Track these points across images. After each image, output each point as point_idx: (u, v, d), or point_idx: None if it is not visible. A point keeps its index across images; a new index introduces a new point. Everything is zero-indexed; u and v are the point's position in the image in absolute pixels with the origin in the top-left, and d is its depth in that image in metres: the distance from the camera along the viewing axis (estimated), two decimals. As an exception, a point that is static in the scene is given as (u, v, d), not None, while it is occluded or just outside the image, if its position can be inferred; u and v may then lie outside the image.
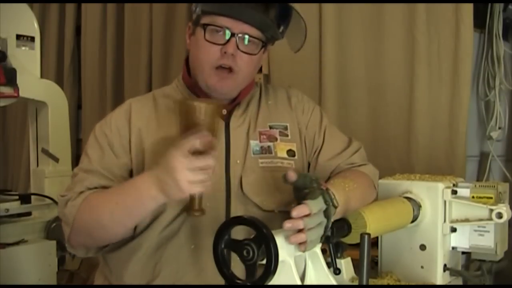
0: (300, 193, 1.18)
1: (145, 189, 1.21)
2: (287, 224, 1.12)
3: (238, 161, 1.40)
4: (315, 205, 1.14)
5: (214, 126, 1.22)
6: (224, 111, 1.44)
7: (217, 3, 1.35)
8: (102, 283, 1.46)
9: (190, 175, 1.14)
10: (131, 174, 1.39)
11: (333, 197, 1.20)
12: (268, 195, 1.39)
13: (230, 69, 1.37)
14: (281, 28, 1.42)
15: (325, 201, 1.17)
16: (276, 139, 1.46)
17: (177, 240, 1.36)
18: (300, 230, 1.13)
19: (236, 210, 1.37)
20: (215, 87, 1.38)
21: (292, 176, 1.19)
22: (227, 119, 1.44)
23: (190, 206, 1.22)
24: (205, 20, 1.37)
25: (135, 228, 1.36)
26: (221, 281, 1.27)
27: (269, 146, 1.44)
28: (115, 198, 1.28)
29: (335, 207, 1.20)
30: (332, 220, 1.19)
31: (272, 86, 1.60)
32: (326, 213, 1.17)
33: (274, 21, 1.39)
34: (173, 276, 1.35)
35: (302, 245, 1.14)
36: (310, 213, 1.13)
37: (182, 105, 1.24)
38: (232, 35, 1.34)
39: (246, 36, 1.35)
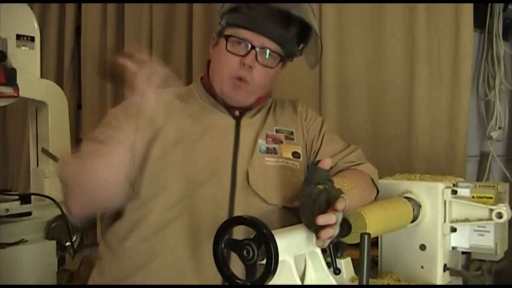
0: (311, 188, 1.19)
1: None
2: (321, 219, 1.15)
3: (245, 156, 1.45)
4: (347, 201, 1.19)
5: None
6: (237, 113, 1.51)
7: (240, 17, 1.42)
8: (98, 280, 1.47)
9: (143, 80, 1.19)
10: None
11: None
12: (272, 190, 1.43)
13: (244, 79, 1.43)
14: (301, 46, 1.51)
15: None
16: (282, 142, 1.52)
17: (179, 224, 1.38)
18: (328, 226, 1.16)
19: (240, 200, 1.40)
20: (229, 95, 1.46)
21: (328, 163, 1.21)
22: (238, 119, 1.51)
23: None
24: (228, 31, 1.44)
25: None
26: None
27: (274, 148, 1.50)
28: (96, 145, 1.30)
29: None
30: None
31: (280, 99, 1.67)
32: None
33: (294, 38, 1.47)
34: (172, 259, 1.37)
35: (321, 241, 1.17)
36: (345, 207, 1.18)
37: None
38: (252, 47, 1.41)
39: (267, 51, 1.42)
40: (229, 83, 1.44)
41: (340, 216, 1.19)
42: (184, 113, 1.47)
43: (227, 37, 1.44)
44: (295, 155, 1.51)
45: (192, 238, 1.37)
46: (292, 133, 1.54)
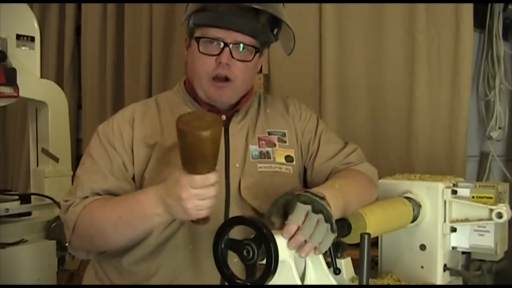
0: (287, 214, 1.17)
1: (150, 207, 1.24)
2: (292, 245, 1.12)
3: (237, 165, 1.42)
4: (296, 216, 1.13)
5: (218, 146, 1.18)
6: (224, 117, 1.47)
7: (208, 16, 1.37)
8: (92, 278, 1.47)
9: (198, 203, 1.17)
10: (133, 178, 1.40)
11: (313, 193, 1.18)
12: (265, 199, 1.39)
13: (226, 78, 1.39)
14: (275, 30, 1.44)
15: (304, 202, 1.15)
16: (275, 145, 1.48)
17: (176, 241, 1.37)
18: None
19: (234, 212, 1.38)
20: (214, 97, 1.42)
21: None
22: (226, 125, 1.46)
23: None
24: (198, 33, 1.40)
25: None
26: (217, 282, 1.28)
27: (268, 152, 1.47)
28: (119, 211, 1.29)
29: (322, 198, 1.17)
30: (330, 211, 1.16)
31: (270, 96, 1.64)
32: (315, 209, 1.15)
33: (267, 25, 1.41)
34: (170, 275, 1.37)
35: (304, 251, 1.13)
36: (298, 226, 1.12)
37: (184, 133, 1.14)
38: (225, 45, 1.37)
39: (241, 45, 1.38)
40: (210, 85, 1.40)
41: (306, 229, 1.12)
42: (171, 125, 1.39)
43: (197, 39, 1.39)
44: (288, 159, 1.48)
45: (189, 254, 1.37)
46: (284, 134, 1.51)
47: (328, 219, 1.15)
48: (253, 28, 1.38)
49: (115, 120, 1.45)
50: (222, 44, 1.37)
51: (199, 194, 1.16)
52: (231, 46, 1.37)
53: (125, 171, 1.39)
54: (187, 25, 1.44)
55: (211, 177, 1.17)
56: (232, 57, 1.38)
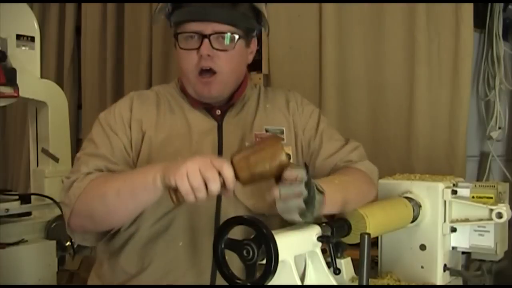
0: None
1: (151, 172, 1.21)
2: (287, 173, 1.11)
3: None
4: (296, 170, 1.13)
5: (263, 176, 1.18)
6: (218, 112, 1.46)
7: (183, 12, 1.38)
8: (96, 282, 1.48)
9: (193, 173, 1.12)
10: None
11: (317, 184, 1.18)
12: (259, 198, 1.38)
13: (211, 71, 1.39)
14: (261, 18, 1.45)
15: (307, 173, 1.15)
16: None
17: (167, 236, 1.38)
18: None
19: (227, 211, 1.37)
20: (203, 93, 1.42)
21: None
22: (220, 120, 1.46)
23: (174, 191, 1.19)
24: (177, 30, 1.41)
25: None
26: (208, 276, 1.30)
27: None
28: (123, 178, 1.28)
29: (322, 193, 1.19)
30: (316, 201, 1.17)
31: (272, 89, 1.62)
32: (308, 186, 1.15)
33: (248, 13, 1.42)
34: (162, 269, 1.37)
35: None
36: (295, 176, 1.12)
37: (272, 140, 1.18)
38: (204, 36, 1.37)
39: (226, 35, 1.38)
40: (198, 82, 1.40)
41: (301, 173, 1.12)
42: (168, 119, 1.45)
43: (176, 35, 1.41)
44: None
45: (179, 250, 1.37)
46: (282, 131, 1.50)
47: (307, 202, 1.15)
48: (230, 16, 1.38)
49: (116, 107, 1.46)
50: (200, 37, 1.37)
51: (202, 166, 1.12)
52: (211, 37, 1.37)
53: (127, 155, 1.40)
54: (169, 26, 1.46)
55: (227, 171, 1.13)
56: (213, 47, 1.37)
